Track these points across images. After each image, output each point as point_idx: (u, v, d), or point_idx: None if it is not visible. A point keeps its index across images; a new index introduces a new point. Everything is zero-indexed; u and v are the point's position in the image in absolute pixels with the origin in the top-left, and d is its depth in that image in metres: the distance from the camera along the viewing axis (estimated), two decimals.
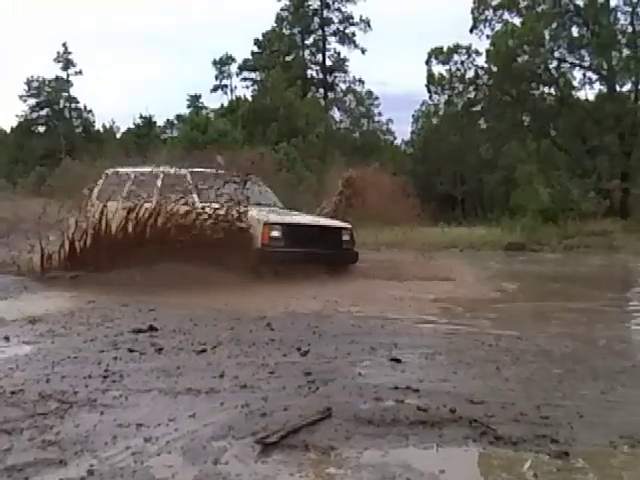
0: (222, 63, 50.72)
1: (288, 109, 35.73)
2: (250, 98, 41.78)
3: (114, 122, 48.55)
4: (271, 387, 3.13)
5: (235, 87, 51.01)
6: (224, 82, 51.11)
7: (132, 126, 45.53)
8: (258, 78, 46.54)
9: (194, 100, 48.84)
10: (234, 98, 45.58)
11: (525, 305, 7.34)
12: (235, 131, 31.38)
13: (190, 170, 9.26)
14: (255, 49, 48.46)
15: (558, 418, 2.71)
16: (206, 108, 46.17)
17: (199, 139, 27.62)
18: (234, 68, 50.38)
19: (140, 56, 70.56)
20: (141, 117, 44.91)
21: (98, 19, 72.62)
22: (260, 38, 47.67)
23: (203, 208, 8.34)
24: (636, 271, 13.32)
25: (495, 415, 2.78)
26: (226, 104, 44.14)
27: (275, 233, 8.46)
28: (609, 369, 3.71)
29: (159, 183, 9.11)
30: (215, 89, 51.18)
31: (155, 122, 46.27)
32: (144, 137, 39.65)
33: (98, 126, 49.33)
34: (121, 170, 9.89)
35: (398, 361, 3.75)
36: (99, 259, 7.93)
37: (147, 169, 9.58)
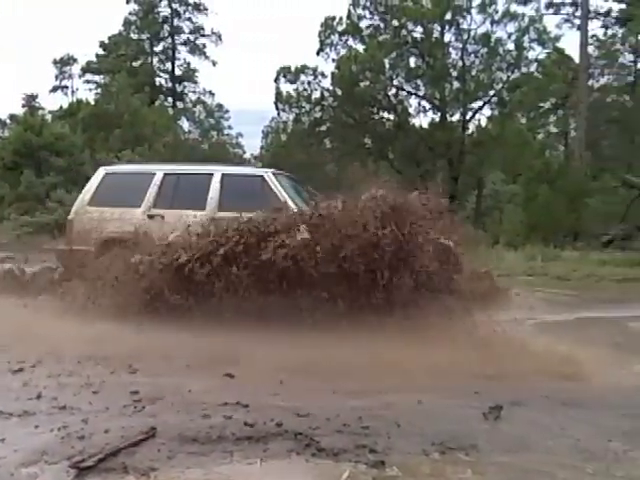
0: (63, 63, 47.72)
1: (133, 116, 34.44)
2: (93, 102, 39.73)
3: None
4: (93, 408, 2.99)
5: (77, 89, 48.22)
6: (64, 83, 48.16)
7: None
8: (102, 81, 44.45)
9: (30, 100, 45.42)
10: (75, 100, 43.08)
11: None
12: (74, 135, 29.62)
13: (273, 171, 7.30)
14: (100, 51, 46.29)
15: (378, 428, 2.86)
16: (43, 109, 43.15)
17: (33, 141, 25.70)
18: (76, 69, 47.65)
19: None
20: None
21: None
22: (106, 41, 45.63)
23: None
24: None
25: (320, 427, 2.87)
26: (66, 106, 41.59)
27: None
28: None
29: (216, 186, 7.08)
30: (54, 90, 48.02)
31: None
32: None
33: None
34: (129, 169, 8.57)
35: (231, 376, 3.74)
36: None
37: (182, 167, 7.94)
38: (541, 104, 32.69)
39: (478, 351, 4.12)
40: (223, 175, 7.16)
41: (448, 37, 28.37)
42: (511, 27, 28.33)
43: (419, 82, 28.59)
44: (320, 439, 2.71)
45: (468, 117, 28.75)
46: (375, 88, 28.77)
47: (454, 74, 28.25)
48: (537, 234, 18.06)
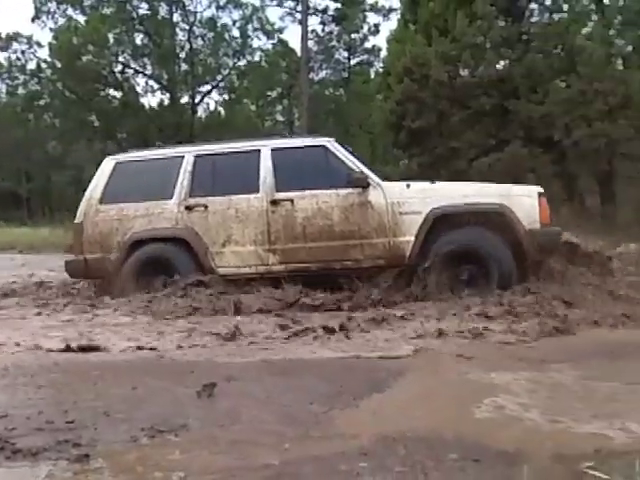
0: None
1: None
2: None
3: None
4: None
5: None
6: None
7: None
8: None
9: None
10: None
11: None
12: None
13: (330, 140, 6.13)
14: None
15: (84, 420, 2.70)
16: None
17: None
18: None
19: None
20: None
21: None
22: None
23: None
24: None
25: (17, 427, 2.61)
26: None
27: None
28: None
29: (267, 164, 5.95)
30: None
31: None
32: None
33: None
34: (146, 155, 6.60)
35: None
36: None
37: (214, 146, 6.52)
38: (268, 93, 34.18)
39: None
40: (273, 150, 6.10)
41: (177, 17, 27.97)
42: (236, 14, 29.03)
43: (146, 61, 27.73)
44: (17, 440, 2.45)
45: (197, 100, 28.78)
46: (99, 63, 27.17)
47: (182, 56, 28.00)
48: None
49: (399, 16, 18.10)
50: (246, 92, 31.37)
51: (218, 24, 28.00)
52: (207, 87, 28.69)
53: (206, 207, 5.92)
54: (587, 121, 11.60)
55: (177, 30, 27.53)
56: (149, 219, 6.00)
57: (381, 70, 24.19)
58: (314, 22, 34.01)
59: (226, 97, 30.46)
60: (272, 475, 2.15)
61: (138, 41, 27.18)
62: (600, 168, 12.87)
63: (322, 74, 34.47)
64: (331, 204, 5.71)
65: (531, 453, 2.28)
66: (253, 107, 34.03)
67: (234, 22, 28.36)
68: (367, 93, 27.22)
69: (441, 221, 5.49)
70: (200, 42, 28.11)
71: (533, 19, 13.46)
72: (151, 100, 39.37)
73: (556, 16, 13.20)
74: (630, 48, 13.22)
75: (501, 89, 12.26)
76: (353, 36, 33.30)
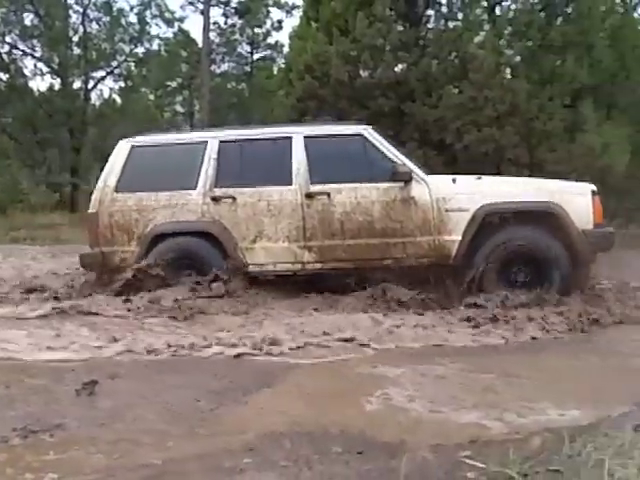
0: None
1: None
2: None
3: None
4: None
5: None
6: None
7: None
8: None
9: None
10: None
11: None
12: None
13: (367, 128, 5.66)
14: None
15: None
16: None
17: None
18: None
19: None
20: None
21: None
22: None
23: None
24: None
25: None
26: None
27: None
28: None
29: (300, 153, 5.51)
30: None
31: None
32: None
33: None
34: (165, 139, 6.08)
35: None
36: None
37: (239, 131, 6.01)
38: (168, 83, 33.32)
39: None
40: (306, 138, 5.60)
41: None
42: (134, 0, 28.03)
43: (36, 42, 26.16)
44: None
45: (90, 86, 27.51)
46: None
47: (75, 39, 26.66)
48: None
49: (301, 13, 18.17)
50: (144, 81, 30.40)
51: (114, 8, 26.89)
52: (101, 73, 27.44)
53: (234, 199, 5.50)
54: (477, 126, 12.10)
55: (70, 12, 26.17)
56: (172, 211, 5.54)
57: (283, 66, 24.21)
58: (216, 13, 33.55)
59: (122, 85, 29.34)
60: (153, 474, 2.09)
61: (27, 21, 25.51)
62: (488, 172, 13.50)
63: (224, 67, 33.99)
64: (371, 199, 5.34)
65: (413, 443, 2.34)
66: (152, 96, 33.05)
67: (131, 7, 27.43)
68: (270, 88, 27.13)
69: (489, 220, 5.19)
70: (95, 26, 26.87)
71: (430, 25, 13.90)
72: (40, 84, 37.21)
73: (451, 24, 13.70)
74: (518, 58, 13.97)
75: (398, 92, 12.55)
76: (256, 30, 33.07)
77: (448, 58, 13.03)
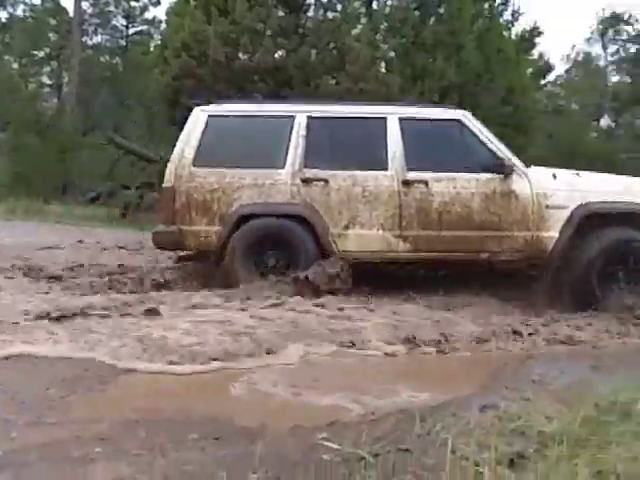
0: None
1: None
2: None
3: None
4: None
5: None
6: None
7: None
8: None
9: None
10: None
11: None
12: None
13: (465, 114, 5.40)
14: None
15: None
16: None
17: None
18: None
19: None
20: None
21: None
22: None
23: None
24: None
25: None
26: None
27: None
28: None
29: (396, 135, 5.20)
30: None
31: None
32: None
33: None
34: (246, 109, 5.57)
35: None
36: None
37: (328, 107, 5.54)
38: (34, 51, 31.19)
39: None
40: (401, 120, 5.23)
41: None
42: None
43: None
44: None
45: None
46: None
47: None
48: (23, 186, 17.26)
49: None
50: (7, 48, 28.18)
51: None
52: None
53: (327, 182, 5.13)
54: None
55: None
56: (259, 190, 5.13)
57: (160, 43, 23.36)
58: None
59: None
60: None
61: None
62: None
63: (97, 39, 32.39)
64: (470, 190, 5.10)
65: (272, 427, 2.37)
66: (15, 65, 30.73)
67: None
68: (146, 65, 26.12)
69: (587, 219, 5.03)
70: None
71: (310, 14, 13.98)
72: None
73: (330, 14, 13.87)
74: (393, 54, 14.43)
75: (276, 78, 12.54)
76: (133, 4, 31.73)
77: (327, 48, 13.18)
